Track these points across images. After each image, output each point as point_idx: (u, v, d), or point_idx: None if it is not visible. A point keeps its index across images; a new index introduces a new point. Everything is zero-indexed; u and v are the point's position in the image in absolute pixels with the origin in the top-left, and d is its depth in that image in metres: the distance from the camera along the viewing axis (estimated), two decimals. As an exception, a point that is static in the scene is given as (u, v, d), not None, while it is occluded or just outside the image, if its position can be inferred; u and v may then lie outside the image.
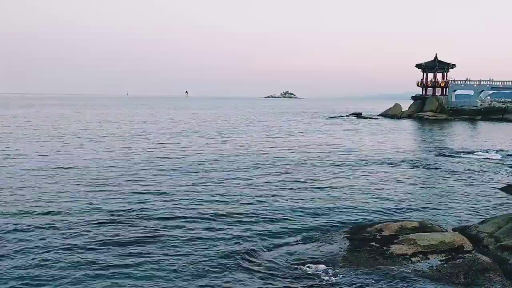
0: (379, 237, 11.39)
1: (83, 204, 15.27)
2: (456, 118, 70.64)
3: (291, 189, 18.50)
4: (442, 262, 10.06)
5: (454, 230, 12.52)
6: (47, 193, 16.74)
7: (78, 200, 15.73)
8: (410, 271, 9.78)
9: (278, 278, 9.74)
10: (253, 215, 14.48)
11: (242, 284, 9.47)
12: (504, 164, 26.16)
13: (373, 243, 11.09)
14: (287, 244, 11.84)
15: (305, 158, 27.47)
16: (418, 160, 27.38)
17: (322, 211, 15.19)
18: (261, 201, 16.27)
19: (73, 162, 23.97)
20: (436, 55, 79.40)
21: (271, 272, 10.07)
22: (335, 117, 76.50)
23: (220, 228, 12.99)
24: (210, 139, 37.74)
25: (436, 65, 78.67)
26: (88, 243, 11.50)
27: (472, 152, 31.15)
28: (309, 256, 10.86)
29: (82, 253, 10.88)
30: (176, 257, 10.72)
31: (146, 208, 14.87)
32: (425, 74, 80.00)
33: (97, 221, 13.32)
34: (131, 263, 10.32)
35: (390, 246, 10.80)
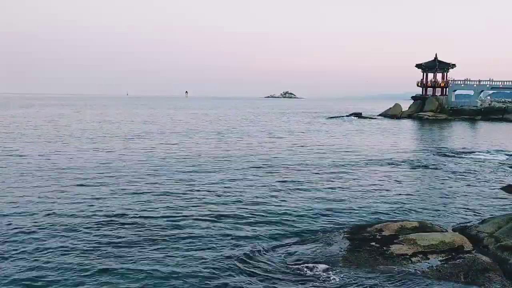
0: (379, 237, 11.39)
1: (83, 205, 15.24)
2: (456, 118, 70.65)
3: (291, 189, 18.49)
4: (442, 262, 10.06)
5: (454, 230, 12.52)
6: (46, 194, 16.72)
7: (77, 201, 15.70)
8: (410, 271, 9.78)
9: (278, 279, 9.74)
10: (253, 215, 14.47)
11: (241, 285, 9.46)
12: (504, 164, 26.15)
13: (373, 243, 11.09)
14: (287, 244, 11.83)
15: (305, 158, 27.47)
16: (418, 160, 27.38)
17: (322, 211, 15.18)
18: (260, 202, 16.26)
19: (73, 163, 23.98)
20: (436, 55, 79.51)
21: (271, 272, 10.07)
22: (335, 117, 76.48)
23: (219, 229, 12.98)
24: (210, 139, 37.74)
25: (436, 65, 78.69)
26: (87, 244, 11.47)
27: (472, 152, 31.14)
28: (309, 256, 10.86)
29: (81, 254, 10.85)
30: (175, 259, 10.70)
31: (145, 209, 14.85)
32: (425, 74, 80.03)
33: (96, 222, 13.30)
34: (130, 264, 10.28)
35: (390, 246, 10.80)
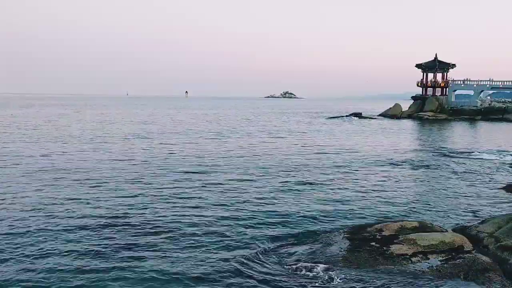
0: (379, 237, 11.39)
1: (82, 206, 15.17)
2: (456, 118, 70.67)
3: (291, 189, 18.49)
4: (442, 262, 10.06)
5: (454, 230, 12.51)
6: (46, 195, 16.69)
7: (77, 203, 15.60)
8: (410, 271, 9.78)
9: (278, 279, 9.73)
10: (252, 216, 14.46)
11: (241, 286, 9.45)
12: (504, 164, 26.15)
13: (373, 243, 11.09)
14: (287, 244, 11.83)
15: (304, 158, 27.47)
16: (418, 160, 27.39)
17: (321, 211, 15.18)
18: (260, 202, 16.25)
19: (73, 163, 23.97)
20: (436, 55, 79.56)
21: (271, 273, 10.06)
22: (335, 117, 76.48)
23: (219, 230, 12.95)
24: (210, 140, 37.75)
25: (436, 65, 78.73)
26: (87, 246, 11.40)
27: (472, 152, 31.14)
28: (309, 256, 10.86)
29: (81, 256, 10.78)
30: (175, 260, 10.68)
31: (145, 211, 14.78)
32: (425, 74, 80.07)
33: (96, 224, 13.22)
34: (130, 266, 10.22)
35: (390, 246, 10.79)
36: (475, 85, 75.23)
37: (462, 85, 76.67)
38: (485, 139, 41.70)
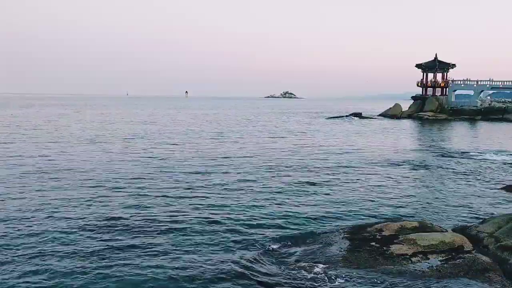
0: (379, 237, 11.39)
1: (82, 207, 15.11)
2: (456, 118, 70.65)
3: (290, 189, 18.49)
4: (442, 262, 10.06)
5: (454, 230, 12.51)
6: (45, 196, 16.65)
7: (76, 203, 15.56)
8: (410, 271, 9.78)
9: (278, 279, 9.73)
10: (252, 216, 14.47)
11: (241, 286, 9.45)
12: (504, 164, 26.16)
13: (373, 243, 11.09)
14: (286, 245, 11.82)
15: (304, 158, 27.47)
16: (418, 160, 27.38)
17: (321, 211, 15.18)
18: (260, 202, 16.26)
19: (73, 164, 23.98)
20: (436, 55, 79.52)
21: (270, 273, 10.06)
22: (335, 117, 76.46)
23: (218, 230, 12.95)
24: (210, 140, 37.75)
25: (436, 65, 78.70)
26: (86, 248, 11.33)
27: (472, 152, 31.15)
28: (309, 256, 10.86)
29: (80, 258, 10.73)
30: (174, 261, 10.66)
31: (145, 212, 14.75)
32: (425, 74, 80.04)
33: (95, 225, 13.16)
34: (129, 267, 10.18)
35: (390, 246, 10.80)
36: (475, 85, 75.21)
37: (462, 85, 76.65)
38: (485, 139, 41.70)
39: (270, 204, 15.92)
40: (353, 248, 11.00)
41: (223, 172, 21.86)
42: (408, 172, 23.52)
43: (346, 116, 76.51)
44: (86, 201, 15.79)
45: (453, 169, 24.26)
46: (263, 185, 19.16)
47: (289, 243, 11.94)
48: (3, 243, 11.49)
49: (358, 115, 76.07)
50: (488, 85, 75.17)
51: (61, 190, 17.42)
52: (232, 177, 20.64)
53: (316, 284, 9.42)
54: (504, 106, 78.22)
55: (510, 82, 73.53)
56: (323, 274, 9.81)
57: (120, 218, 13.79)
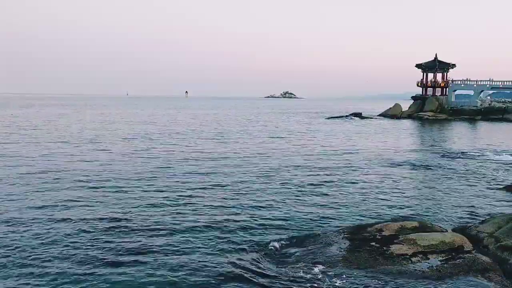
0: (379, 237, 11.39)
1: (81, 208, 15.00)
2: (456, 118, 70.66)
3: (290, 189, 18.49)
4: (442, 262, 10.06)
5: (454, 230, 12.52)
6: (45, 197, 16.56)
7: (76, 204, 15.45)
8: (410, 271, 9.78)
9: (278, 280, 9.73)
10: (252, 216, 14.46)
11: (241, 287, 9.45)
12: (504, 164, 26.15)
13: (373, 243, 11.09)
14: (286, 245, 11.81)
15: (304, 158, 27.47)
16: (418, 160, 27.38)
17: (321, 211, 15.18)
18: (259, 202, 16.25)
19: (73, 164, 23.97)
20: (436, 55, 79.54)
21: (270, 273, 10.06)
22: (335, 117, 76.46)
23: (218, 231, 12.92)
24: (210, 140, 37.74)
25: (436, 65, 78.71)
26: (86, 249, 11.28)
27: (472, 152, 31.14)
28: (309, 256, 10.85)
29: (79, 259, 10.67)
30: (173, 261, 10.65)
31: (144, 213, 14.70)
32: (425, 74, 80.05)
33: (94, 227, 13.08)
34: (129, 269, 10.11)
35: (390, 246, 10.79)
36: (475, 85, 75.22)
37: (462, 85, 76.65)
38: (485, 139, 41.70)
39: (270, 205, 15.91)
40: (353, 248, 11.00)
41: (223, 173, 21.85)
42: (408, 172, 23.52)
43: (346, 116, 76.50)
44: (85, 202, 15.75)
45: (453, 169, 24.26)
46: (262, 185, 19.15)
47: (289, 243, 11.93)
48: (2, 245, 11.39)
49: (358, 115, 76.06)
50: (488, 85, 75.18)
51: (60, 191, 17.40)
52: (232, 178, 20.63)
53: (316, 285, 9.42)
54: (504, 106, 78.23)
55: (510, 82, 73.54)
56: (323, 274, 9.81)
57: (120, 219, 13.75)
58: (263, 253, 11.23)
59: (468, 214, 15.27)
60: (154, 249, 11.27)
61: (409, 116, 75.37)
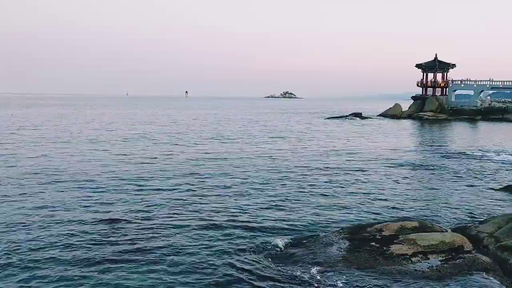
0: (379, 237, 11.39)
1: (80, 210, 14.93)
2: (456, 118, 70.65)
3: (290, 189, 18.49)
4: (442, 262, 10.06)
5: (454, 230, 12.52)
6: (44, 197, 16.58)
7: (75, 206, 15.35)
8: (410, 271, 9.78)
9: (278, 280, 9.73)
10: (251, 216, 14.47)
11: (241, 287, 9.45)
12: (504, 164, 26.15)
13: (373, 243, 11.09)
14: (286, 245, 11.80)
15: (304, 158, 27.47)
16: (418, 160, 27.39)
17: (321, 211, 15.19)
18: (260, 203, 16.25)
19: (72, 165, 23.97)
20: (436, 55, 79.50)
21: (270, 274, 10.06)
22: (335, 117, 76.44)
23: (217, 231, 12.93)
24: (210, 140, 37.73)
25: (436, 65, 78.68)
26: (83, 253, 11.14)
27: (472, 152, 31.13)
28: (309, 256, 10.85)
29: (78, 261, 10.62)
30: (172, 264, 10.64)
31: (144, 214, 14.66)
32: (425, 74, 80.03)
33: (92, 229, 13.01)
34: (128, 271, 10.07)
35: (390, 246, 10.79)
36: (475, 85, 75.20)
37: (462, 85, 76.64)
38: (485, 139, 41.69)
39: (269, 205, 15.90)
40: (353, 248, 11.00)
41: (222, 173, 21.84)
42: (408, 172, 23.52)
43: (346, 116, 76.49)
44: (84, 203, 15.69)
45: (453, 169, 24.26)
46: (262, 185, 19.15)
47: (289, 243, 11.92)
48: (1, 247, 11.30)
49: (358, 115, 76.00)
50: (488, 85, 75.17)
51: (59, 192, 17.38)
52: (232, 178, 20.63)
53: (316, 285, 9.42)
54: (504, 106, 78.21)
55: (510, 82, 73.52)
56: (323, 274, 9.81)
57: (119, 220, 13.69)
58: (263, 253, 11.22)
59: (468, 214, 15.27)
60: (153, 250, 11.26)
61: (409, 116, 75.34)
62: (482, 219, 13.29)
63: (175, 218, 13.95)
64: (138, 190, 17.64)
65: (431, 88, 79.90)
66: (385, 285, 9.25)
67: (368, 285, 9.30)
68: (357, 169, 23.77)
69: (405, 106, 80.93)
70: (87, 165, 23.19)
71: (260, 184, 19.38)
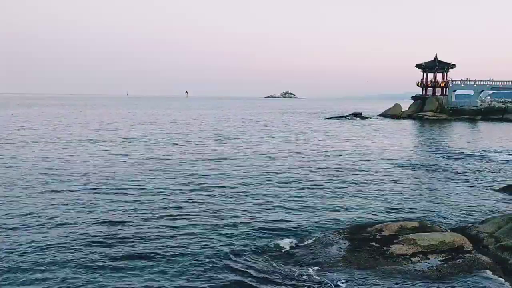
0: (379, 237, 11.39)
1: (80, 211, 14.85)
2: (456, 118, 70.65)
3: (290, 189, 18.49)
4: (442, 262, 10.06)
5: (454, 230, 12.52)
6: (43, 199, 16.49)
7: (74, 207, 15.28)
8: (410, 271, 9.79)
9: (277, 280, 9.73)
10: (251, 216, 14.47)
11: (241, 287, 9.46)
12: (504, 164, 26.15)
13: (373, 243, 11.09)
14: (285, 245, 11.80)
15: (304, 158, 27.46)
16: (418, 160, 27.39)
17: (321, 211, 15.19)
18: (260, 203, 16.25)
19: (72, 165, 23.97)
20: (436, 55, 79.49)
21: (269, 274, 10.06)
22: (335, 117, 76.44)
23: (217, 231, 12.94)
24: (210, 141, 37.72)
25: (436, 65, 78.67)
26: (82, 256, 11.07)
27: (472, 152, 31.13)
28: (309, 256, 10.86)
29: (76, 266, 10.54)
30: (172, 261, 10.67)
31: (144, 216, 14.61)
32: (425, 74, 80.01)
33: (91, 230, 13.01)
34: (128, 274, 10.02)
35: (390, 246, 10.80)
36: (475, 85, 75.20)
37: (462, 85, 76.63)
38: (485, 139, 41.69)
39: (269, 206, 15.90)
40: (353, 248, 11.00)
41: (222, 173, 21.84)
42: (408, 172, 23.52)
43: (346, 116, 76.48)
44: (84, 204, 15.61)
45: (453, 169, 24.26)
46: (262, 185, 19.14)
47: (289, 243, 11.92)
48: (1, 249, 11.20)
49: (358, 115, 75.99)
50: (488, 85, 75.16)
51: (60, 192, 17.35)
52: (231, 178, 20.63)
53: (316, 285, 9.42)
54: (504, 106, 78.23)
55: (510, 82, 73.52)
56: (323, 275, 9.81)
57: (119, 222, 13.62)
58: (263, 253, 11.22)
59: (468, 214, 15.27)
60: (153, 252, 11.23)
61: (409, 116, 75.34)
62: (482, 219, 13.29)
63: (175, 219, 13.95)
64: (138, 191, 17.64)
65: (431, 88, 79.89)
66: (385, 285, 9.25)
67: (368, 285, 9.30)
68: (357, 169, 23.77)
69: (405, 106, 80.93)
70: (87, 165, 23.19)
71: (260, 184, 19.37)
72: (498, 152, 31.65)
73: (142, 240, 11.93)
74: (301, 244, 11.81)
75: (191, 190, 17.83)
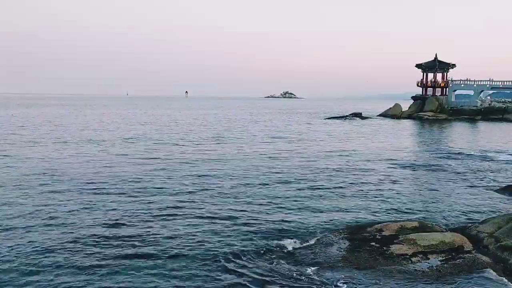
0: (379, 237, 11.40)
1: (79, 212, 14.85)
2: (456, 118, 70.66)
3: (290, 189, 18.49)
4: (442, 262, 10.07)
5: (454, 230, 12.52)
6: (43, 200, 16.49)
7: (74, 208, 15.25)
8: (410, 271, 9.79)
9: (277, 280, 9.73)
10: (251, 216, 14.47)
11: (241, 287, 9.45)
12: (504, 164, 26.15)
13: (373, 243, 11.10)
14: (286, 245, 11.81)
15: (304, 158, 27.46)
16: (418, 160, 27.38)
17: (321, 211, 15.19)
18: (259, 203, 16.25)
19: (71, 166, 23.95)
20: (436, 55, 79.48)
21: (269, 273, 10.06)
22: (335, 117, 76.45)
23: (217, 231, 12.95)
24: (210, 141, 37.73)
25: (436, 65, 78.66)
26: (79, 256, 11.11)
27: (472, 152, 31.14)
28: (309, 256, 10.86)
29: (76, 267, 10.52)
30: (171, 261, 10.68)
31: (144, 216, 14.63)
32: (425, 74, 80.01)
33: (91, 231, 12.99)
34: (128, 276, 9.98)
35: (390, 246, 10.80)
36: (475, 85, 75.20)
37: (462, 85, 76.63)
38: (485, 139, 41.69)
39: (269, 206, 15.89)
40: (353, 248, 11.01)
41: (222, 174, 21.84)
42: (408, 172, 23.52)
43: (346, 116, 76.48)
44: (83, 205, 15.59)
45: (453, 169, 24.26)
46: (262, 186, 19.15)
47: (290, 243, 11.93)
48: (1, 251, 11.15)
49: (358, 115, 75.98)
50: (488, 85, 75.16)
51: (60, 193, 17.33)
52: (231, 178, 20.63)
53: (316, 285, 9.42)
54: (504, 106, 78.20)
55: (510, 82, 73.52)
56: (323, 275, 9.81)
57: (119, 221, 13.68)
58: (263, 254, 11.22)
59: (468, 214, 15.26)
60: (153, 253, 11.22)
61: (409, 116, 75.33)
62: (482, 219, 13.29)
63: (175, 219, 13.95)
64: (138, 191, 17.64)
65: (431, 88, 79.88)
66: (385, 285, 9.26)
67: (368, 285, 9.30)
68: (357, 169, 23.77)
69: (405, 106, 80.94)
70: (87, 166, 23.19)
71: (260, 184, 19.37)
72: (498, 152, 31.65)
73: (142, 240, 11.94)
74: (301, 244, 11.81)
75: (191, 190, 17.83)
